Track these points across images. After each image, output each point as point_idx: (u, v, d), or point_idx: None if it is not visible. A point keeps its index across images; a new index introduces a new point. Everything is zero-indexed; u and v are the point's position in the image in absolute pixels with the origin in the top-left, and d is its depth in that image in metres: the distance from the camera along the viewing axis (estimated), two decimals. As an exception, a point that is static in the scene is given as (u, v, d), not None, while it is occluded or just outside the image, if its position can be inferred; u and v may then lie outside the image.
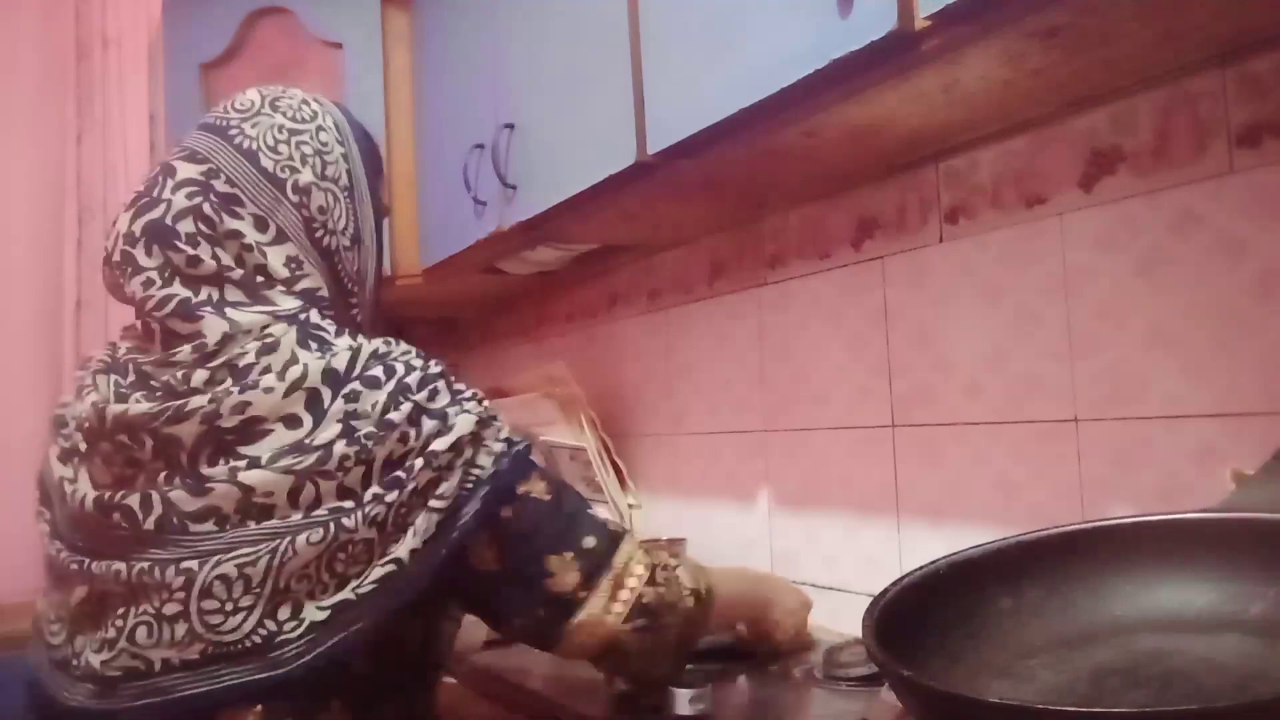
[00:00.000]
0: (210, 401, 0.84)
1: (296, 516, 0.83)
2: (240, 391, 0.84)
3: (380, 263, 1.04)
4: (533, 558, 0.90)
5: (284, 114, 0.97)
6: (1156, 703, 0.63)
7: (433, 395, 0.89)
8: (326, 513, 0.83)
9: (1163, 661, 0.67)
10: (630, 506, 1.92)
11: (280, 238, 0.93)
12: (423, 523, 0.85)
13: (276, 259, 0.93)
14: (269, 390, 0.85)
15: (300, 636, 0.81)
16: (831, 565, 1.46)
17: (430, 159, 1.97)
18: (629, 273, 1.98)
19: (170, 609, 0.81)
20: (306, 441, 0.84)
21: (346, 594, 0.83)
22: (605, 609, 0.90)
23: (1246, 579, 0.69)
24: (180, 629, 0.81)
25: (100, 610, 0.85)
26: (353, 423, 0.85)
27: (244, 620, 0.81)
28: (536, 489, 0.91)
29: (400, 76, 2.06)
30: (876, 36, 0.89)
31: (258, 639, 0.81)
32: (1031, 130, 1.16)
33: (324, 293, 0.95)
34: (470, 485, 0.88)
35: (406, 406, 0.87)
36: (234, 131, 0.95)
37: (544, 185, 1.50)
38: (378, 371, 0.88)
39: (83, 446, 0.89)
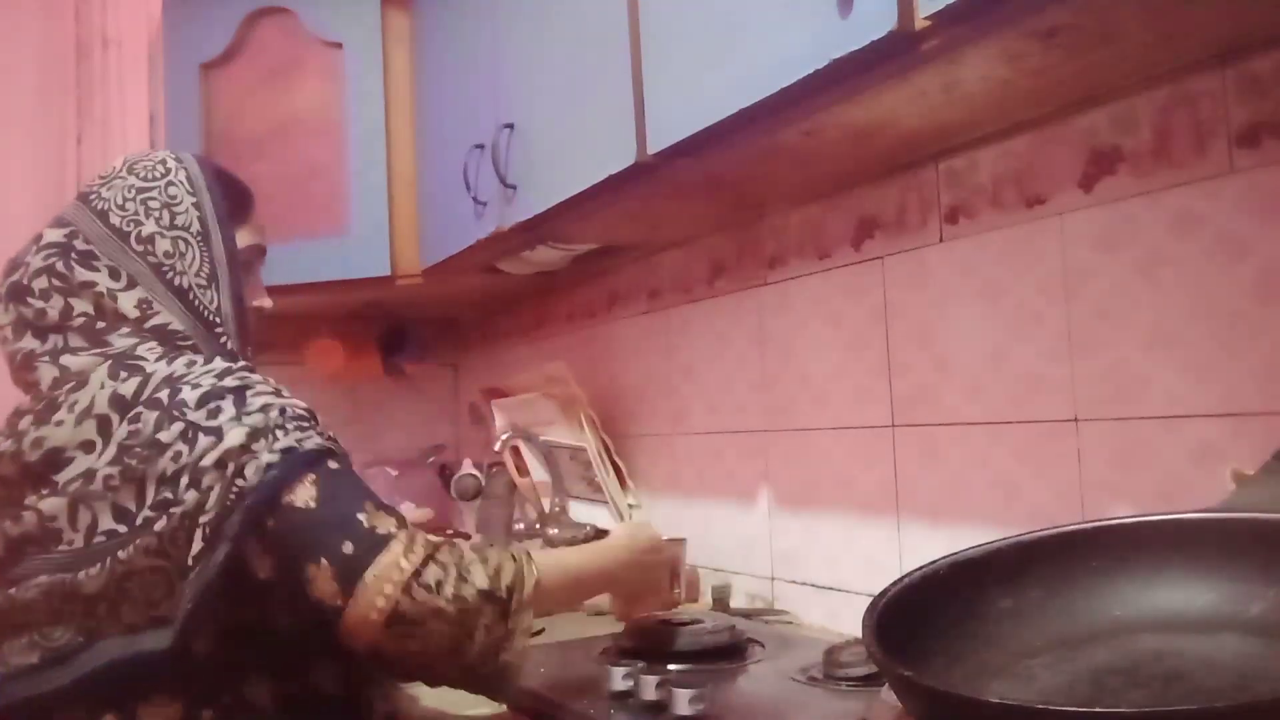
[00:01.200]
0: (14, 443, 0.97)
1: (78, 542, 0.93)
2: (38, 429, 0.96)
3: (241, 295, 1.12)
4: (293, 566, 0.92)
5: (137, 175, 1.10)
6: (1156, 703, 0.63)
7: (214, 412, 0.94)
8: (104, 538, 0.92)
9: (1163, 661, 0.67)
10: (630, 506, 1.92)
11: (131, 283, 1.05)
12: (196, 540, 0.90)
13: (128, 302, 1.04)
14: (60, 424, 0.96)
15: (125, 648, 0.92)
16: (831, 565, 1.46)
17: (430, 159, 1.97)
18: (629, 273, 1.98)
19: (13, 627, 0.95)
20: (95, 466, 0.93)
21: (160, 611, 0.91)
22: (363, 617, 0.90)
23: (1246, 579, 0.69)
24: (23, 641, 0.94)
25: None
26: (130, 443, 0.93)
27: (63, 634, 0.93)
28: (302, 497, 0.93)
29: (400, 76, 2.06)
30: (876, 36, 0.89)
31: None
32: (1031, 130, 1.16)
33: (177, 326, 1.05)
34: (232, 498, 0.91)
35: (178, 425, 0.93)
36: (93, 196, 1.10)
37: (544, 185, 1.50)
38: (163, 394, 0.95)
39: None
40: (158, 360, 0.99)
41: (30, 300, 1.03)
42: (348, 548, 0.91)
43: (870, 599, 0.71)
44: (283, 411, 0.96)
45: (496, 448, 1.98)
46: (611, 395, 2.02)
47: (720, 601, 1.60)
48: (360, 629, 0.90)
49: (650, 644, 1.26)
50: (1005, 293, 1.20)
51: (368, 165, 2.05)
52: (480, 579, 0.94)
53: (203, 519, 0.90)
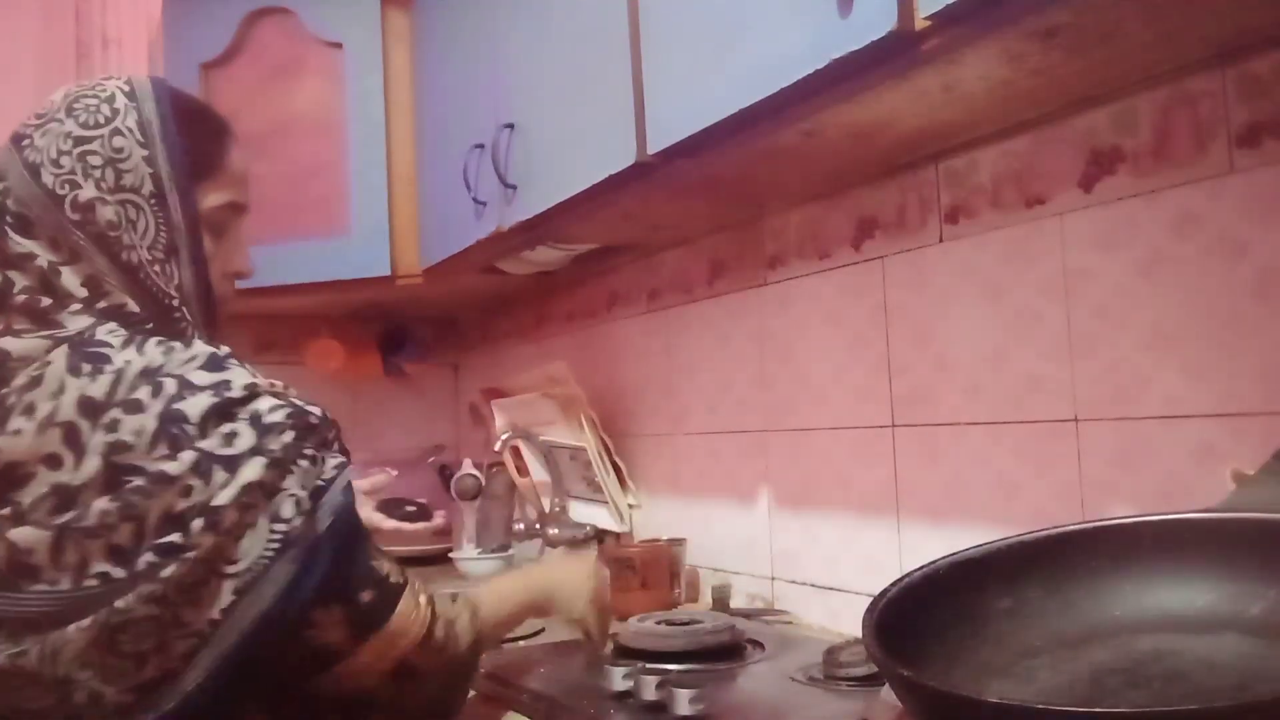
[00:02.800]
0: None
1: (65, 583, 0.76)
2: None
3: (205, 268, 0.94)
4: (302, 607, 0.83)
5: (77, 118, 0.89)
6: (1156, 703, 0.63)
7: (229, 437, 0.80)
8: (97, 583, 0.76)
9: (1163, 661, 0.67)
10: (630, 506, 1.92)
11: (74, 257, 0.86)
12: (225, 593, 0.78)
13: (72, 280, 0.86)
14: (18, 433, 0.79)
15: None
16: (831, 565, 1.46)
17: (430, 159, 1.97)
18: (629, 273, 1.98)
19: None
20: (68, 482, 0.78)
21: (150, 672, 0.77)
22: (369, 666, 0.86)
23: (1246, 579, 0.69)
24: None
25: None
26: (114, 459, 0.78)
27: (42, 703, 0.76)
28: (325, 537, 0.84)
29: (400, 76, 2.06)
30: (876, 36, 0.89)
31: None
32: (1031, 130, 1.16)
33: (132, 308, 0.87)
34: (276, 546, 0.80)
35: (190, 455, 0.78)
36: (25, 142, 0.89)
37: (544, 185, 1.50)
38: (143, 394, 0.80)
39: None
40: (125, 346, 0.83)
41: None
42: (365, 596, 0.86)
43: (870, 599, 0.71)
44: (299, 432, 0.84)
45: (496, 448, 1.98)
46: (611, 395, 2.02)
47: (720, 601, 1.60)
48: (364, 676, 0.86)
49: (650, 644, 1.26)
50: (1005, 293, 1.20)
51: (368, 165, 2.05)
52: (466, 635, 0.95)
53: (229, 569, 0.78)
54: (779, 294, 1.57)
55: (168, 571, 0.76)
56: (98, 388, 0.80)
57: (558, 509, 2.01)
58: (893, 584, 0.73)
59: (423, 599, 0.91)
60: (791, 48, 0.99)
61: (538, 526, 2.03)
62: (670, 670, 1.15)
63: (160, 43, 2.26)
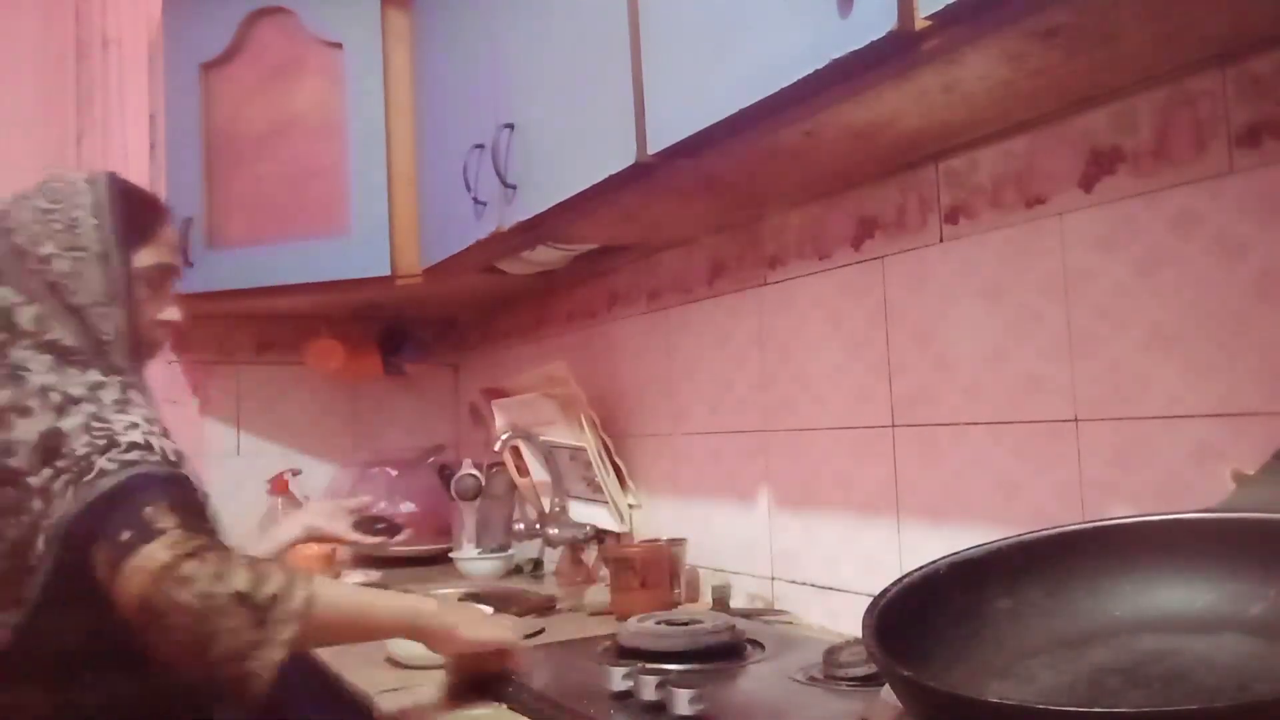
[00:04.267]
0: None
1: None
2: None
3: (137, 314, 1.20)
4: (85, 549, 1.02)
5: (46, 196, 1.19)
6: (1156, 703, 0.63)
7: (77, 426, 1.05)
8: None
9: (1163, 661, 0.67)
10: (630, 506, 1.92)
11: (31, 300, 1.14)
12: (39, 543, 1.03)
13: (26, 317, 1.13)
14: None
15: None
16: (831, 565, 1.46)
17: (430, 159, 1.97)
18: (629, 273, 1.98)
19: None
20: None
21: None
22: (122, 602, 0.97)
23: (1246, 579, 0.69)
24: None
25: None
26: (6, 461, 1.04)
27: None
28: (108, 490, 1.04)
29: (400, 76, 2.06)
30: (876, 36, 0.89)
31: None
32: (1031, 130, 1.16)
33: (68, 342, 1.13)
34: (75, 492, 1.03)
35: (41, 427, 1.05)
36: (4, 216, 1.19)
37: (544, 185, 1.50)
38: (34, 402, 1.07)
39: None
40: (46, 372, 1.09)
41: None
42: (124, 535, 0.98)
43: (870, 599, 0.71)
44: (132, 426, 1.06)
45: (496, 448, 1.98)
46: (611, 395, 2.02)
47: (720, 601, 1.60)
48: (124, 612, 0.97)
49: (650, 644, 1.26)
50: (1005, 293, 1.20)
51: (368, 165, 2.05)
52: (239, 582, 0.98)
53: (45, 521, 1.01)
54: (779, 294, 1.57)
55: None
56: (3, 397, 1.07)
57: (558, 509, 2.01)
58: (893, 584, 0.73)
59: (188, 545, 0.98)
60: (791, 48, 0.99)
61: (538, 526, 2.03)
62: (670, 670, 1.15)
63: (160, 43, 2.26)
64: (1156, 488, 1.03)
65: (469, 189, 1.70)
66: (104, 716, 1.06)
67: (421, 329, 2.67)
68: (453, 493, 2.27)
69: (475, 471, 2.26)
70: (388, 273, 2.03)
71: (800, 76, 0.99)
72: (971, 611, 0.74)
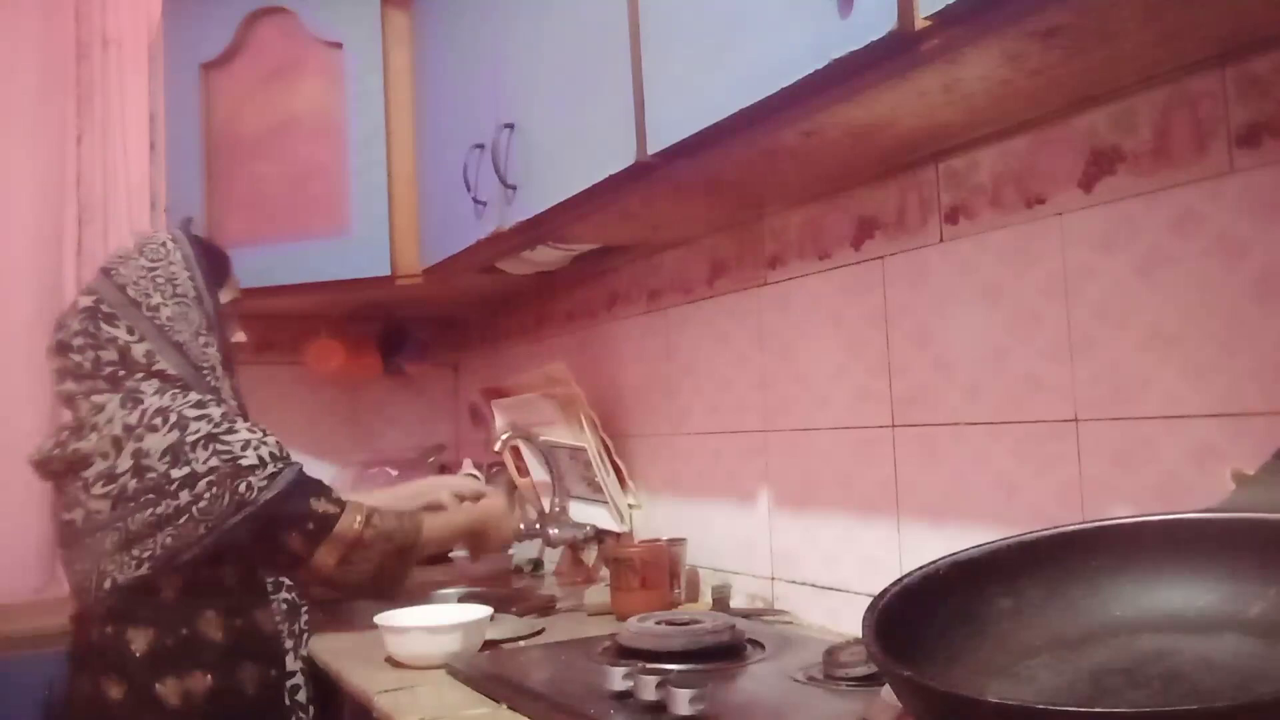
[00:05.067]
0: (62, 450, 1.44)
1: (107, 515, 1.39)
2: (76, 442, 1.43)
3: (228, 341, 1.58)
4: (272, 534, 1.45)
5: (146, 256, 1.53)
6: (1156, 703, 0.63)
7: (210, 454, 1.40)
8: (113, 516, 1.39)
9: (1163, 661, 0.67)
10: (630, 506, 1.92)
11: (142, 339, 1.48)
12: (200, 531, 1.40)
13: (139, 352, 1.47)
14: (89, 440, 1.42)
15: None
16: (831, 565, 1.46)
17: (430, 159, 1.97)
18: (629, 273, 1.98)
19: (75, 566, 1.44)
20: (112, 469, 1.39)
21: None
22: (323, 560, 1.47)
23: (1246, 579, 0.69)
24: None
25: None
26: (142, 461, 1.38)
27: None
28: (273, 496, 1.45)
29: (400, 76, 2.06)
30: (876, 36, 0.89)
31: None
32: (1031, 130, 1.16)
33: (173, 372, 1.48)
34: (237, 499, 1.39)
35: (184, 469, 1.39)
36: (113, 272, 1.53)
37: (544, 185, 1.50)
38: (158, 420, 1.40)
39: None
40: (154, 394, 1.44)
41: (71, 355, 1.47)
42: (309, 525, 1.45)
43: (870, 599, 0.71)
44: (248, 445, 1.42)
45: (496, 448, 1.98)
46: (611, 395, 2.02)
47: (720, 601, 1.60)
48: (320, 567, 1.46)
49: (650, 644, 1.26)
50: (1005, 293, 1.20)
51: (368, 165, 2.05)
52: (392, 533, 1.52)
53: (199, 515, 1.38)
54: (779, 294, 1.57)
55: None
56: (132, 417, 1.41)
57: (558, 509, 2.01)
58: (893, 584, 0.73)
59: (359, 517, 1.49)
60: (791, 48, 0.99)
61: (538, 526, 2.03)
62: (670, 670, 1.15)
63: (160, 43, 2.26)
64: (1156, 488, 1.03)
65: (469, 189, 1.70)
66: (185, 656, 1.39)
67: (421, 329, 2.67)
68: (453, 493, 2.27)
69: (475, 471, 2.26)
70: (388, 273, 2.03)
71: (800, 77, 0.99)
72: (971, 611, 0.74)
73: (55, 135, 2.50)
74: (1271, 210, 0.93)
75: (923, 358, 1.31)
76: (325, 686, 1.47)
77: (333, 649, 1.49)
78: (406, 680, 1.28)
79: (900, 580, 0.74)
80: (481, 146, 1.66)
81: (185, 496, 1.37)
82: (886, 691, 0.82)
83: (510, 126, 1.59)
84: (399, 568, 1.53)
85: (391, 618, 1.41)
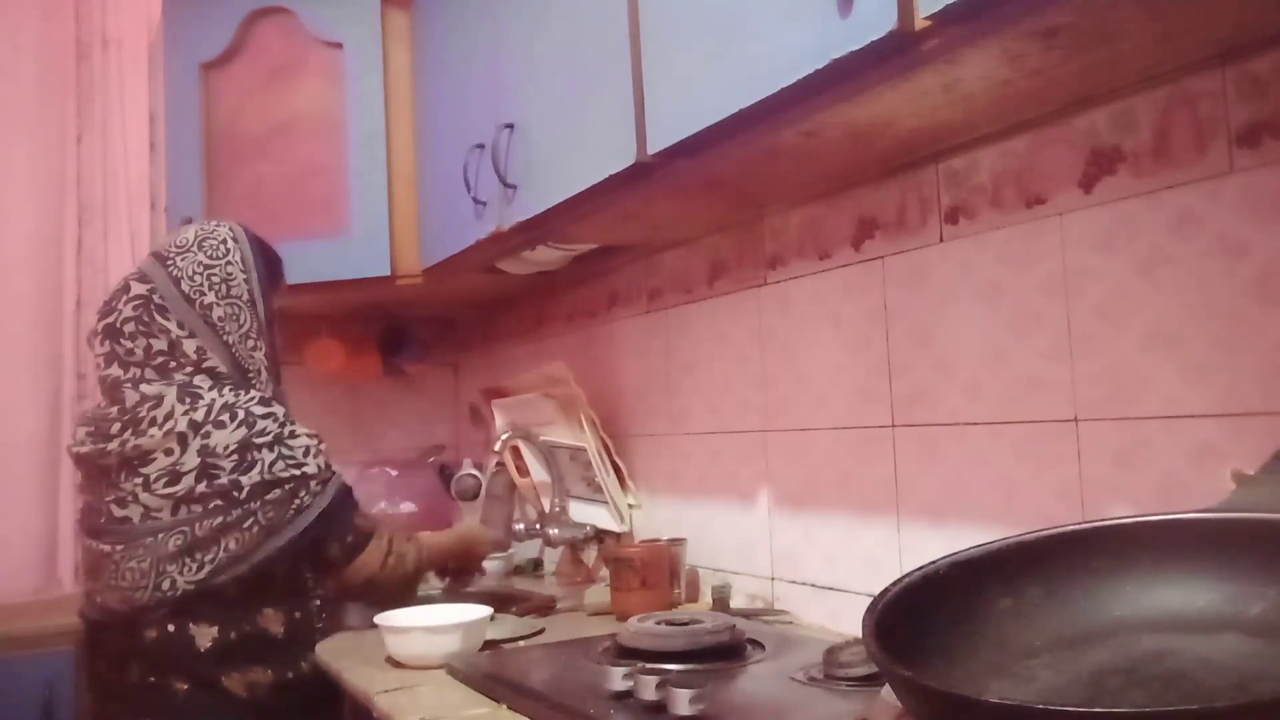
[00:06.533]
0: (119, 444, 1.43)
1: (173, 517, 1.42)
2: (135, 438, 1.43)
3: (276, 344, 1.59)
4: (318, 545, 1.53)
5: (205, 252, 1.53)
6: (1156, 703, 0.63)
7: (277, 440, 1.46)
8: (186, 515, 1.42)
9: (1163, 661, 0.67)
10: (630, 506, 1.92)
11: (192, 335, 1.49)
12: (261, 536, 1.45)
13: (189, 347, 1.49)
14: (151, 435, 1.42)
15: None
16: (831, 565, 1.46)
17: (430, 159, 1.97)
18: (629, 273, 1.98)
19: (128, 564, 1.43)
20: (176, 467, 1.40)
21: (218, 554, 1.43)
22: (351, 577, 1.56)
23: (1246, 579, 0.69)
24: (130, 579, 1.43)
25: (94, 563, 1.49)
26: (208, 459, 1.41)
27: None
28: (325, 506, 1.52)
29: (400, 76, 2.06)
30: (876, 36, 0.89)
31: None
32: (1031, 130, 1.16)
33: (222, 369, 1.50)
34: (297, 505, 1.47)
35: (256, 474, 1.43)
36: (169, 263, 1.53)
37: (544, 185, 1.50)
38: (225, 417, 1.43)
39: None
40: (210, 390, 1.46)
41: (121, 340, 1.48)
42: (349, 537, 1.54)
43: (870, 599, 0.71)
44: (309, 451, 1.48)
45: (496, 448, 1.98)
46: (611, 395, 2.02)
47: (720, 601, 1.60)
48: (350, 583, 1.56)
49: (650, 644, 1.26)
50: (1005, 293, 1.20)
51: (368, 165, 2.05)
52: (411, 561, 1.62)
53: (265, 523, 1.44)
54: (779, 294, 1.57)
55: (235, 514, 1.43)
56: (198, 414, 1.43)
57: (558, 509, 2.01)
58: (893, 584, 0.73)
59: (385, 541, 1.58)
60: (791, 48, 0.99)
61: (538, 526, 2.03)
62: (670, 670, 1.15)
63: (160, 43, 2.26)
64: (1156, 488, 1.03)
65: (469, 189, 1.70)
66: (248, 650, 1.45)
67: (421, 329, 2.67)
68: (453, 493, 2.27)
69: (475, 471, 2.26)
70: (388, 273, 2.03)
71: (800, 77, 0.99)
72: (971, 611, 0.74)
73: (55, 135, 2.50)
74: (1271, 210, 0.93)
75: (923, 358, 1.31)
76: (325, 687, 1.47)
77: (333, 649, 1.49)
78: (406, 680, 1.28)
79: (900, 580, 0.74)
80: (481, 146, 1.66)
81: (253, 506, 1.41)
82: (886, 691, 0.82)
83: (510, 126, 1.59)
84: (416, 580, 1.66)
85: (391, 618, 1.41)
